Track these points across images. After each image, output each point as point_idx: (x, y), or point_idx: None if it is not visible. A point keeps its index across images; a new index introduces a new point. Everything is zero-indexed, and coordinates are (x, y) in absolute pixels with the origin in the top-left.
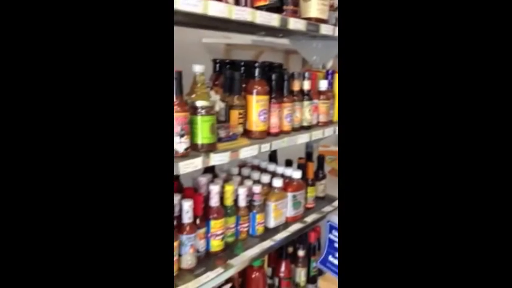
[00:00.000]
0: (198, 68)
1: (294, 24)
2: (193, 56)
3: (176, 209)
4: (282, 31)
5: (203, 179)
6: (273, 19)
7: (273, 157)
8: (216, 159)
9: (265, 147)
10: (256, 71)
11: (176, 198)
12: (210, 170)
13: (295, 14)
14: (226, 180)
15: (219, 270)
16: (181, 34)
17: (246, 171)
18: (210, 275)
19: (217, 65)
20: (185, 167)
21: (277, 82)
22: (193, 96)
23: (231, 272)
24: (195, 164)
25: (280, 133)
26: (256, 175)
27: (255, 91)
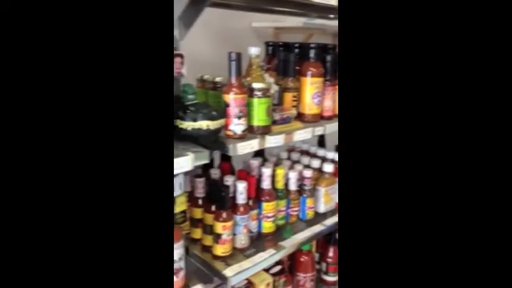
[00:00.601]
0: (253, 50)
1: None
2: (242, 40)
3: (231, 190)
4: (336, 11)
5: (255, 162)
6: None
7: (321, 142)
8: (271, 141)
9: (319, 131)
10: (311, 53)
11: (230, 179)
12: (260, 153)
13: None
14: (276, 164)
15: (271, 251)
16: (231, 19)
17: (295, 155)
18: (263, 255)
19: (270, 48)
20: (242, 148)
21: (332, 64)
22: (248, 78)
23: (282, 254)
24: (252, 145)
25: (334, 116)
26: (306, 160)
27: (309, 73)
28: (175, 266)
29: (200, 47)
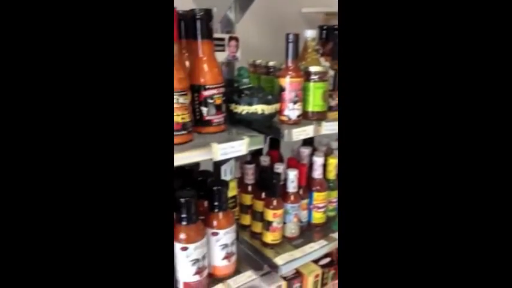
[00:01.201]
0: (309, 33)
1: None
2: (292, 26)
3: (282, 178)
4: None
5: (306, 150)
6: None
7: None
8: (328, 128)
9: None
10: None
11: (281, 167)
12: (309, 142)
13: None
14: (327, 154)
15: (322, 242)
16: (280, 4)
17: None
18: (314, 246)
19: (324, 32)
20: (297, 134)
21: None
22: (303, 62)
23: (332, 246)
24: (307, 131)
25: None
26: None
27: None
28: (228, 250)
29: (250, 32)
